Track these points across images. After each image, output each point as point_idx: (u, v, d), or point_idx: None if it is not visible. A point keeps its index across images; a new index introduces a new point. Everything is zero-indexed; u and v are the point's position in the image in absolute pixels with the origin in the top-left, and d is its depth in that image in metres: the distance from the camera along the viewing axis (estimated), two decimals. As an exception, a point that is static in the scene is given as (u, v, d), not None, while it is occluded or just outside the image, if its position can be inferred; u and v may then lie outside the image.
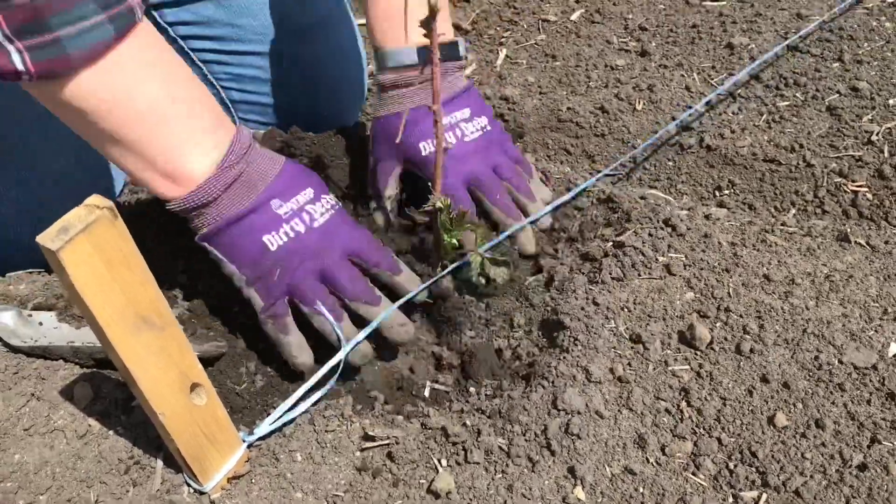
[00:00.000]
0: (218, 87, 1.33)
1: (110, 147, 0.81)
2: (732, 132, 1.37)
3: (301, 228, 0.88)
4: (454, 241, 0.92)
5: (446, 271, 0.96)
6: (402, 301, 0.91)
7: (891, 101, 1.35)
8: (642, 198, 1.26)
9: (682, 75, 1.50)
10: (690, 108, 1.42)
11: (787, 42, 1.48)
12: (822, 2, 1.63)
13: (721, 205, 1.30)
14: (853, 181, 1.27)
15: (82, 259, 0.62)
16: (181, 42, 1.27)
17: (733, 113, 1.41)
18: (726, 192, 1.32)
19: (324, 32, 1.31)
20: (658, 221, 1.04)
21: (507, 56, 1.67)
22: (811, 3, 1.62)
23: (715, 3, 1.70)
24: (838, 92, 1.39)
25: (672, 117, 1.42)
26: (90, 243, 0.63)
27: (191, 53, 1.29)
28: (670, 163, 1.36)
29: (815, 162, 1.30)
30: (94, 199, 0.64)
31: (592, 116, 1.42)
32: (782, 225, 1.12)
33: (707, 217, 1.14)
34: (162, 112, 0.81)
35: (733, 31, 1.58)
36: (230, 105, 1.36)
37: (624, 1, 1.77)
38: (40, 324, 0.91)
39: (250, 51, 1.29)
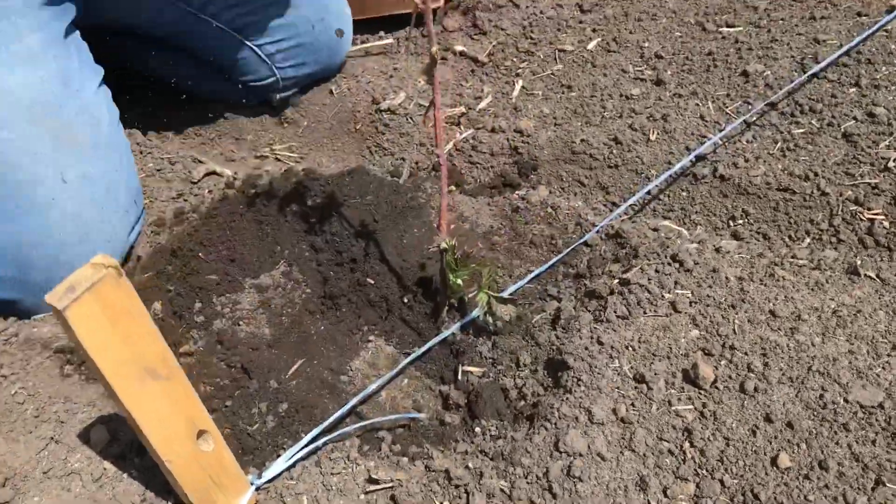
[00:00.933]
0: (254, 47, 1.56)
1: None
2: (746, 161, 1.37)
3: None
4: (459, 280, 0.93)
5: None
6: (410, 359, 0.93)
7: (908, 127, 1.33)
8: (655, 229, 1.26)
9: (697, 104, 1.50)
10: (705, 137, 1.42)
11: (804, 75, 1.48)
12: (841, 25, 1.62)
13: (735, 235, 1.29)
14: (869, 209, 1.26)
15: (88, 316, 0.65)
16: (214, 21, 1.50)
17: (747, 141, 1.41)
18: (740, 221, 1.31)
19: None
20: (666, 257, 1.05)
21: (522, 87, 1.69)
22: (828, 27, 1.61)
23: (731, 30, 1.70)
24: (854, 118, 1.38)
25: (686, 147, 1.42)
26: (96, 301, 0.66)
27: (224, 27, 1.52)
28: (684, 193, 1.37)
29: (830, 190, 1.29)
30: (101, 258, 0.67)
31: (606, 148, 1.43)
32: (793, 257, 1.12)
33: (717, 250, 1.14)
34: None
35: (749, 57, 1.57)
36: (268, 60, 1.59)
37: (640, 29, 1.78)
38: None
39: (269, 2, 1.52)
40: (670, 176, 1.37)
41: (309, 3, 1.60)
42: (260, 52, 1.60)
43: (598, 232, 1.14)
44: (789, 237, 1.28)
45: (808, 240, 1.27)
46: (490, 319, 0.96)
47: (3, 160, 0.98)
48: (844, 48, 1.51)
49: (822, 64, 1.48)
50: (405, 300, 1.06)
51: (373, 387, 0.90)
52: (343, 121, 1.63)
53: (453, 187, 1.44)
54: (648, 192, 1.37)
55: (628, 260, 1.06)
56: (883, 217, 1.24)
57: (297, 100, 1.68)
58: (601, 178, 1.41)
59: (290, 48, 1.61)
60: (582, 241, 1.12)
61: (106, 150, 1.13)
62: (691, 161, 1.38)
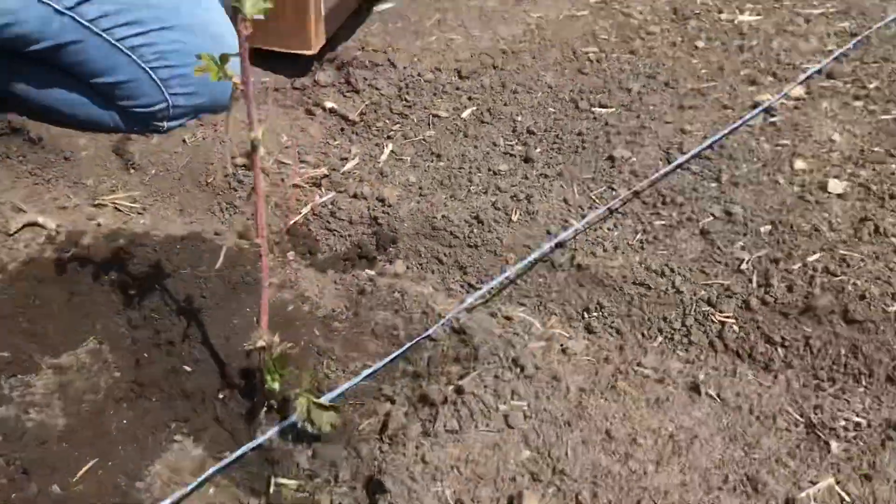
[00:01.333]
0: (147, 69, 1.49)
1: None
2: (605, 251, 1.34)
3: None
4: (276, 385, 0.84)
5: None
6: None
7: (762, 229, 1.34)
8: (508, 318, 1.21)
9: (562, 186, 1.48)
10: (567, 222, 1.38)
11: (669, 166, 1.47)
12: (707, 116, 1.64)
13: (588, 328, 1.26)
14: (721, 311, 1.25)
15: None
16: (106, 35, 1.42)
17: (608, 229, 1.38)
18: (595, 314, 1.28)
19: None
20: (507, 360, 0.99)
21: (392, 151, 1.62)
22: (695, 118, 1.63)
23: (603, 111, 1.69)
24: (713, 215, 1.38)
25: (547, 231, 1.38)
26: None
27: (117, 44, 1.45)
28: (541, 280, 1.32)
29: (685, 288, 1.27)
30: None
31: (467, 226, 1.38)
32: (638, 365, 1.08)
33: (564, 351, 1.10)
34: None
35: (616, 142, 1.56)
36: (161, 85, 1.52)
37: (515, 101, 1.75)
38: None
39: (167, 26, 1.46)
40: (529, 262, 1.33)
41: (208, 34, 1.53)
42: (154, 76, 1.51)
43: (443, 324, 1.08)
44: (642, 334, 1.25)
45: (660, 338, 1.25)
46: (309, 427, 0.87)
47: None
48: (708, 141, 1.52)
49: (687, 156, 1.48)
50: (222, 395, 0.96)
51: (173, 497, 0.80)
52: (195, 172, 1.52)
53: (308, 254, 1.36)
54: (507, 277, 1.32)
55: (469, 361, 0.99)
56: (733, 321, 1.23)
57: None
58: (460, 257, 1.35)
59: (186, 76, 1.53)
60: (425, 335, 1.05)
61: None
62: (550, 247, 1.35)
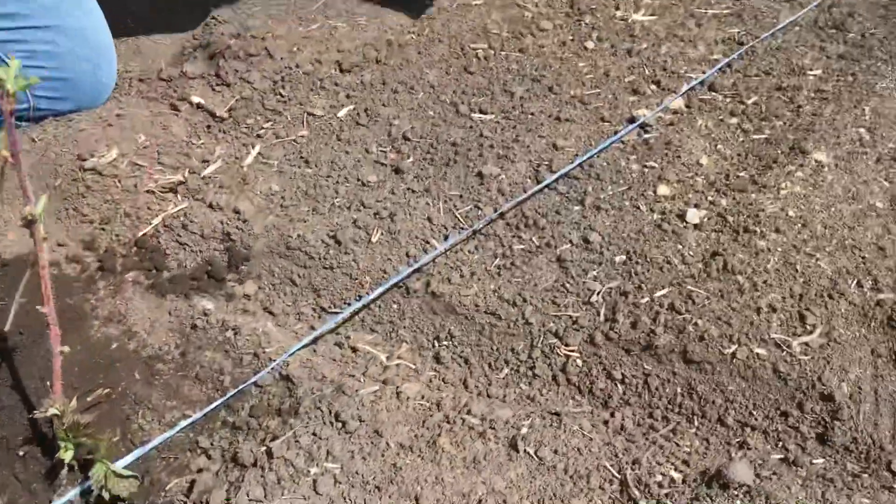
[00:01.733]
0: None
1: None
2: (462, 276, 1.33)
3: None
4: (70, 454, 0.81)
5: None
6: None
7: (617, 259, 1.35)
8: (353, 348, 1.20)
9: (428, 203, 1.45)
10: (427, 244, 1.36)
11: (536, 186, 1.46)
12: (583, 129, 1.63)
13: (437, 357, 1.25)
14: (567, 345, 1.26)
15: None
16: None
17: (469, 252, 1.37)
18: (445, 343, 1.27)
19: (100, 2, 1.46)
20: (330, 414, 0.97)
21: (259, 154, 1.57)
22: (570, 131, 1.61)
23: (483, 117, 1.66)
24: (571, 241, 1.38)
25: (406, 253, 1.36)
26: None
27: None
28: (395, 306, 1.31)
29: (534, 319, 1.28)
30: None
31: (323, 247, 1.35)
32: (468, 412, 1.08)
33: (398, 395, 1.09)
34: None
35: (488, 156, 1.54)
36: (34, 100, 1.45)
37: (395, 102, 1.70)
38: None
39: (41, 25, 1.40)
40: (382, 290, 1.31)
41: (82, 39, 1.47)
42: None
43: (273, 368, 1.05)
44: (489, 365, 1.25)
45: (506, 370, 1.25)
46: (106, 496, 0.85)
47: None
48: (577, 161, 1.51)
49: (553, 177, 1.47)
50: (22, 452, 0.92)
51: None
52: (42, 175, 1.44)
53: (154, 270, 1.30)
54: (359, 297, 1.29)
55: (290, 414, 0.97)
56: (577, 355, 1.24)
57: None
58: (314, 279, 1.32)
59: (53, 79, 1.46)
60: (249, 383, 1.02)
61: None
62: (407, 274, 1.33)
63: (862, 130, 1.61)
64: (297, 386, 1.02)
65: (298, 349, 1.10)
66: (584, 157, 1.51)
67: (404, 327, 1.28)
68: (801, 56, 1.85)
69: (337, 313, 1.25)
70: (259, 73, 1.70)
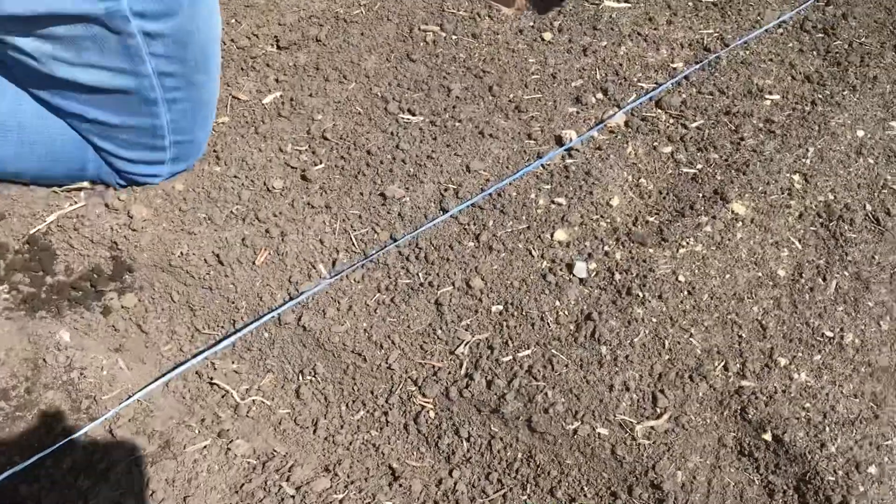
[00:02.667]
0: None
1: None
2: (338, 310, 1.35)
3: None
4: None
5: None
6: None
7: (494, 308, 1.36)
8: (211, 382, 1.25)
9: (325, 221, 1.46)
10: (313, 269, 1.38)
11: (441, 216, 1.45)
12: (504, 148, 1.59)
13: (298, 392, 1.30)
14: (424, 395, 1.29)
15: None
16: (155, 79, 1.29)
17: (355, 281, 1.39)
18: (309, 378, 1.32)
19: None
20: (141, 479, 1.03)
21: (174, 142, 1.57)
22: (489, 150, 1.58)
23: (410, 119, 1.63)
24: (454, 283, 1.39)
25: (289, 278, 1.38)
26: None
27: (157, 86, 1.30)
28: (267, 334, 1.35)
29: (398, 366, 1.31)
30: None
31: (205, 266, 1.37)
32: (286, 480, 1.14)
33: (227, 451, 1.14)
34: None
35: (398, 173, 1.52)
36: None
37: (323, 92, 1.67)
38: None
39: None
40: (258, 315, 1.34)
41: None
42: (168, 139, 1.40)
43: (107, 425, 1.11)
44: (346, 405, 1.30)
45: (362, 412, 1.30)
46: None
47: None
48: (487, 191, 1.49)
49: (457, 209, 1.46)
50: None
51: None
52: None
53: (41, 272, 1.35)
54: (233, 323, 1.34)
55: (101, 478, 1.04)
56: (432, 407, 1.28)
57: None
58: (192, 297, 1.36)
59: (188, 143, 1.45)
60: (69, 439, 1.08)
61: None
62: (284, 299, 1.36)
63: (796, 177, 1.55)
64: (117, 445, 1.08)
65: (139, 394, 1.15)
66: (492, 189, 1.48)
67: (273, 356, 1.32)
68: (766, 74, 1.75)
69: (209, 335, 1.29)
70: (189, 49, 1.66)
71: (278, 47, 1.73)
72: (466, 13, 1.85)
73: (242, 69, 1.67)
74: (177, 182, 1.48)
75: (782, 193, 1.52)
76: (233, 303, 1.35)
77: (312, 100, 1.64)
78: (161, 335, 1.30)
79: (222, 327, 1.33)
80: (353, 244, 1.43)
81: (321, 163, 1.54)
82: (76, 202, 1.40)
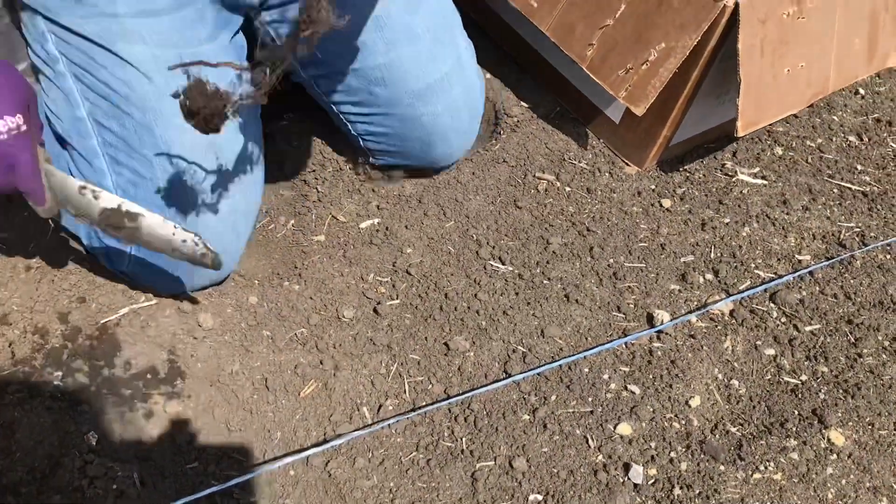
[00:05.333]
0: (360, 138, 1.61)
1: None
2: (369, 461, 1.29)
3: None
4: None
5: None
6: None
7: (531, 498, 1.24)
8: None
9: (381, 362, 1.41)
10: (358, 412, 1.33)
11: (499, 383, 1.37)
12: (591, 317, 1.49)
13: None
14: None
15: None
16: (333, 106, 1.57)
17: (395, 431, 1.32)
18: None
19: (438, 93, 1.57)
20: None
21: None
22: (568, 318, 1.49)
23: (498, 267, 1.58)
24: (495, 459, 1.29)
25: (330, 416, 1.34)
26: None
27: (341, 115, 1.59)
28: (291, 472, 1.30)
29: (414, 538, 1.22)
30: None
31: (251, 387, 1.36)
32: None
33: None
34: None
35: (469, 323, 1.46)
36: (368, 153, 1.67)
37: (419, 226, 1.65)
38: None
39: (381, 112, 1.55)
40: (289, 450, 1.30)
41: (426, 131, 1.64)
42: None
43: None
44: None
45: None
46: None
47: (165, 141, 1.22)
48: (557, 362, 1.39)
49: (521, 376, 1.37)
50: None
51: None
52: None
53: (100, 363, 1.38)
54: (264, 454, 1.30)
55: None
56: None
57: None
58: (232, 418, 1.34)
59: (390, 151, 1.69)
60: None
61: (252, 181, 1.38)
62: (319, 438, 1.31)
63: (918, 412, 1.34)
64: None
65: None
66: (561, 361, 1.39)
67: (292, 498, 1.27)
68: (905, 285, 1.56)
69: (237, 461, 1.27)
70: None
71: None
72: (587, 165, 1.80)
73: (349, 191, 1.69)
74: (252, 294, 1.49)
75: (894, 429, 1.32)
76: (269, 431, 1.32)
77: (406, 232, 1.63)
78: (191, 452, 1.28)
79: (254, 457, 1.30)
80: (405, 392, 1.37)
81: (397, 298, 1.50)
82: (150, 299, 1.44)
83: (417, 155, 1.64)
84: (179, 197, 1.30)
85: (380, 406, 1.35)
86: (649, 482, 1.25)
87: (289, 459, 1.23)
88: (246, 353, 1.39)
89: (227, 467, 1.27)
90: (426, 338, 1.44)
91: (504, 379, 1.36)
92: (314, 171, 1.70)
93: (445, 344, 1.43)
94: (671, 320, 1.47)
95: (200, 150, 1.29)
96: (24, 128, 0.99)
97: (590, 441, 1.30)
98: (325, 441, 1.28)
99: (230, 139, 1.34)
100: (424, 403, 1.34)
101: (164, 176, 1.28)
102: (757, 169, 1.85)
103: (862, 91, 2.12)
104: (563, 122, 1.88)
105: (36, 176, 1.03)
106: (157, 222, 1.15)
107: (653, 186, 1.79)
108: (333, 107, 1.60)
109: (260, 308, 1.47)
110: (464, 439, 1.31)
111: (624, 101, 1.60)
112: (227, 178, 1.35)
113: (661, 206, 1.74)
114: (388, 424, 1.31)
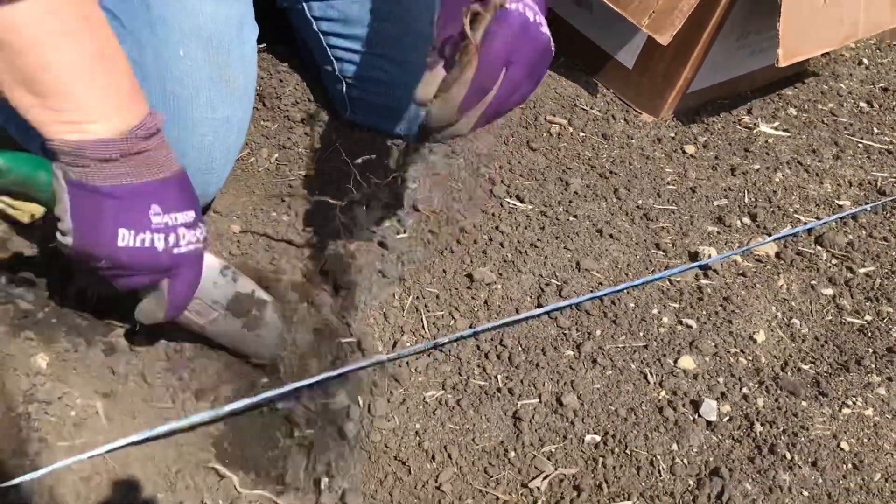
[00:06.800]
0: (344, 82, 1.38)
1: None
2: (388, 401, 1.06)
3: (160, 246, 0.80)
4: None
5: None
6: None
7: (588, 438, 1.03)
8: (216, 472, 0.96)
9: (393, 294, 1.19)
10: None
11: (535, 312, 1.17)
12: (626, 253, 1.31)
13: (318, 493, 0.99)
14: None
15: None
16: (322, 36, 1.36)
17: (416, 370, 1.10)
18: (336, 480, 1.01)
19: None
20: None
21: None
22: (604, 252, 1.30)
23: (518, 204, 1.38)
24: (540, 396, 1.08)
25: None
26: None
27: (328, 49, 1.37)
28: (295, 414, 1.05)
29: (449, 488, 0.99)
30: None
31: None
32: None
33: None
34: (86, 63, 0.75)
35: (492, 256, 1.26)
36: (348, 101, 1.40)
37: (421, 160, 1.45)
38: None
39: (378, 53, 1.33)
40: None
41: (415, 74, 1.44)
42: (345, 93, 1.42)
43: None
44: (375, 528, 0.98)
45: (393, 541, 0.97)
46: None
47: (176, 75, 1.03)
48: (598, 294, 1.19)
49: (556, 305, 1.17)
50: None
51: None
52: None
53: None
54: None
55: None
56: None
57: None
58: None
59: (372, 104, 1.43)
60: None
61: (247, 102, 1.14)
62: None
63: None
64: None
65: (104, 449, 0.87)
66: (606, 292, 1.19)
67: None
68: (955, 228, 1.43)
69: (230, 399, 1.02)
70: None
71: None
72: (600, 112, 1.64)
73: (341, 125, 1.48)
74: (234, 224, 1.26)
75: (982, 367, 1.16)
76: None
77: (409, 168, 1.42)
78: (166, 392, 1.03)
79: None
80: (423, 327, 1.15)
81: (404, 232, 1.29)
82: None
83: (404, 115, 1.39)
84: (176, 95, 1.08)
85: (395, 342, 1.13)
86: (724, 419, 1.05)
87: (287, 389, 0.99)
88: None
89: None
90: (444, 270, 1.23)
91: (540, 311, 1.16)
92: (298, 103, 1.49)
93: (468, 275, 1.22)
94: (717, 256, 1.29)
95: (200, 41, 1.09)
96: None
97: (648, 377, 1.10)
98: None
99: (230, 32, 1.12)
100: (447, 338, 1.12)
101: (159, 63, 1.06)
102: (776, 123, 1.72)
103: (866, 61, 2.04)
104: (570, 72, 1.72)
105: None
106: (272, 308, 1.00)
107: (672, 134, 1.64)
108: (322, 39, 1.39)
109: (243, 237, 1.24)
110: (499, 377, 1.09)
111: (647, 29, 1.45)
112: (224, 75, 1.13)
113: (684, 152, 1.59)
114: (407, 359, 1.09)
